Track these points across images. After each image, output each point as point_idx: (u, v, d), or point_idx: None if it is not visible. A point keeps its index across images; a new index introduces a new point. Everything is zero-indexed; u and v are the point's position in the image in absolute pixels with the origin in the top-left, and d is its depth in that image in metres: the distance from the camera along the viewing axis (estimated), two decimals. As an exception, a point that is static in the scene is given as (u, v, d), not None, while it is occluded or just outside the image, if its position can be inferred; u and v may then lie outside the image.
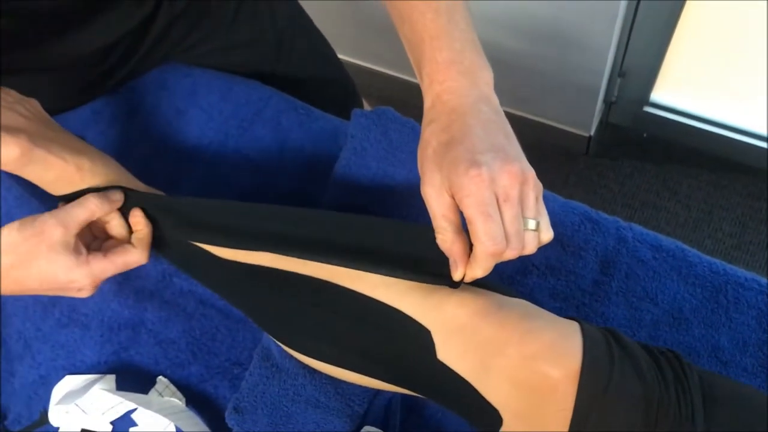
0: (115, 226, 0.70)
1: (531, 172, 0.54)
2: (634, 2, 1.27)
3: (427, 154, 0.56)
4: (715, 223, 1.62)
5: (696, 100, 1.57)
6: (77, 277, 0.63)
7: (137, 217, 0.70)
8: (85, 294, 0.66)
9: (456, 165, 0.52)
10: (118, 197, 0.70)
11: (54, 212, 0.64)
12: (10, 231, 0.62)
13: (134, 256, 0.68)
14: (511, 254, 0.54)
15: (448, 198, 0.54)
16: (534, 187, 0.54)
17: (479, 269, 0.55)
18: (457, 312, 0.60)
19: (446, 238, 0.55)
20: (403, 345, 0.62)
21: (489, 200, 0.51)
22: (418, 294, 0.62)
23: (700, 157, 1.66)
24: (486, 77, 0.59)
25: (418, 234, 0.63)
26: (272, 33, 0.95)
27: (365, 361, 0.65)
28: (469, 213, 0.52)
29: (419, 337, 0.60)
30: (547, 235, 0.56)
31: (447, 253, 0.56)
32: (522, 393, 0.56)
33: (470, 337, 0.58)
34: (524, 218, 0.54)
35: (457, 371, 0.58)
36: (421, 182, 0.56)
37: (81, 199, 0.66)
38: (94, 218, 0.67)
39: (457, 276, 0.56)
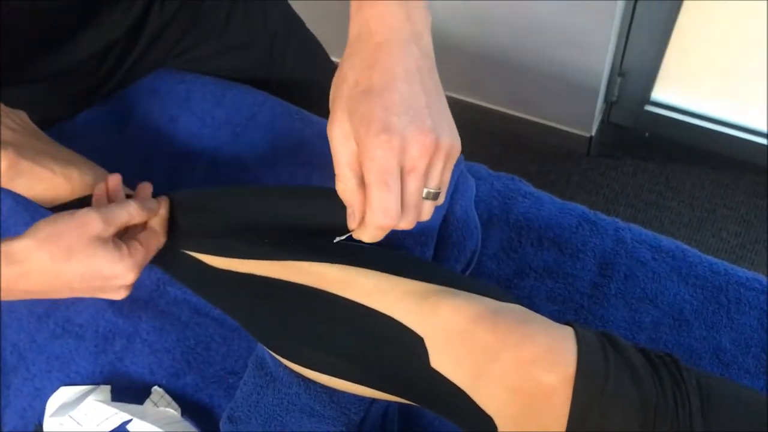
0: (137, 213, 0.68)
1: (446, 141, 0.51)
2: (632, 1, 1.26)
3: (341, 92, 0.52)
4: (719, 222, 1.61)
5: (698, 97, 1.56)
6: (121, 270, 0.61)
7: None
8: (123, 294, 0.64)
9: (368, 123, 0.49)
10: (155, 206, 0.68)
11: (94, 208, 0.61)
12: (48, 223, 0.59)
13: (160, 238, 0.67)
14: (405, 225, 0.53)
15: (355, 147, 0.51)
16: (444, 157, 0.52)
17: (366, 236, 0.54)
18: (451, 318, 0.58)
19: (347, 188, 0.53)
20: (396, 353, 0.61)
21: (392, 169, 0.49)
22: (411, 301, 0.61)
23: (703, 155, 1.65)
24: (421, 8, 0.54)
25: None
26: (264, 37, 0.94)
27: (358, 369, 0.64)
28: (368, 178, 0.50)
29: (412, 344, 0.59)
30: (441, 200, 0.56)
31: (346, 202, 0.54)
32: (516, 400, 0.54)
33: (464, 344, 0.57)
34: (425, 188, 0.52)
35: (451, 379, 0.57)
36: (329, 119, 0.52)
37: (122, 203, 0.64)
38: (131, 223, 0.65)
39: (352, 224, 0.54)
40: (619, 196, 1.67)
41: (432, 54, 0.54)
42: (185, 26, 0.88)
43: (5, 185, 0.73)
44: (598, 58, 1.38)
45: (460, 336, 0.58)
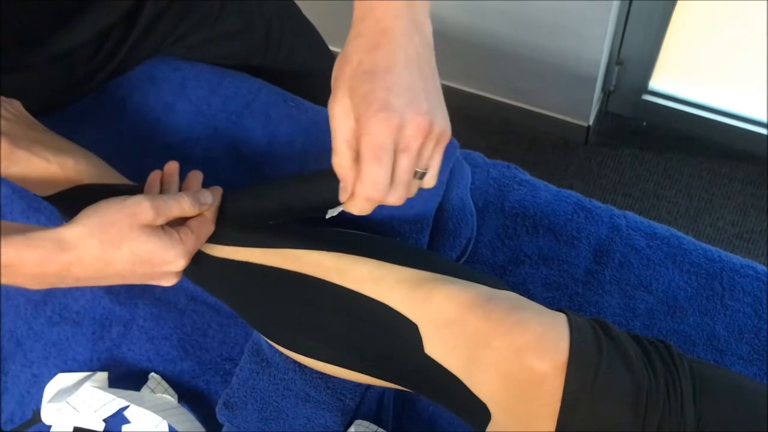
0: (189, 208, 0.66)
1: (439, 124, 0.54)
2: (630, -11, 1.26)
3: (344, 71, 0.54)
4: (717, 212, 1.61)
5: (696, 87, 1.56)
6: (172, 257, 0.60)
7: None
8: (173, 280, 0.62)
9: (369, 101, 0.51)
10: (209, 199, 0.66)
11: (146, 196, 0.60)
12: (98, 210, 0.58)
13: (210, 226, 0.66)
14: (393, 201, 0.55)
15: (353, 124, 0.53)
16: (435, 139, 0.54)
17: (355, 208, 0.56)
18: (445, 305, 0.59)
19: (342, 163, 0.55)
20: (391, 340, 0.61)
21: (387, 146, 0.52)
22: (404, 288, 0.61)
23: (701, 145, 1.65)
24: (422, 3, 0.56)
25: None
26: (260, 23, 0.94)
27: (353, 357, 0.64)
28: (363, 151, 0.52)
29: (406, 331, 0.59)
30: (431, 183, 0.57)
31: (340, 176, 0.56)
32: (509, 386, 0.55)
33: (458, 331, 0.58)
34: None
35: (445, 366, 0.58)
36: (331, 97, 0.55)
37: (176, 196, 0.63)
38: (182, 216, 0.63)
39: (343, 197, 0.56)
40: (616, 186, 1.67)
41: (431, 42, 0.56)
42: (181, 13, 0.88)
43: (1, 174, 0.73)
44: (596, 47, 1.38)
45: (454, 323, 0.58)
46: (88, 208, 0.58)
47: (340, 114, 0.54)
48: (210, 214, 0.66)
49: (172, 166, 0.71)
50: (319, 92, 1.01)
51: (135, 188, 0.74)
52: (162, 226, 0.60)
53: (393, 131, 0.51)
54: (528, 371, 0.54)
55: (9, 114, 0.75)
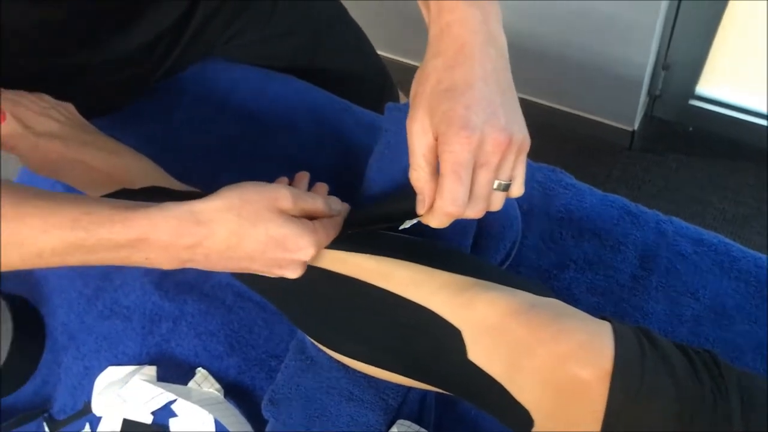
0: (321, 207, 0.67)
1: (518, 136, 0.54)
2: (678, -8, 1.25)
3: (424, 90, 0.55)
4: (765, 219, 1.58)
5: (743, 92, 1.53)
6: (304, 244, 0.59)
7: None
8: (299, 271, 0.62)
9: (450, 120, 0.52)
10: (339, 207, 0.67)
11: (284, 185, 0.61)
12: (237, 189, 0.58)
13: (337, 231, 0.65)
14: (473, 214, 0.56)
15: (432, 140, 0.54)
16: (515, 151, 0.55)
17: (434, 221, 0.57)
18: (488, 312, 0.59)
19: (420, 177, 0.56)
20: (433, 345, 0.61)
21: (466, 163, 0.53)
22: (448, 293, 0.61)
23: (748, 151, 1.62)
24: (495, 11, 0.57)
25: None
26: (309, 25, 0.95)
27: (395, 359, 0.65)
28: (443, 168, 0.53)
29: (450, 337, 0.60)
30: (518, 192, 0.58)
31: (418, 190, 0.57)
32: (553, 394, 0.55)
33: (501, 337, 0.58)
34: (496, 180, 0.55)
35: (488, 371, 0.58)
36: (410, 115, 0.56)
37: (314, 194, 0.64)
38: (312, 214, 0.64)
39: (420, 210, 0.57)
40: (661, 191, 1.65)
41: (506, 54, 0.57)
42: (233, 14, 0.89)
43: (53, 176, 0.75)
44: (642, 51, 1.36)
45: (497, 329, 0.58)
46: (227, 186, 0.58)
47: (419, 131, 0.55)
48: (339, 221, 0.66)
49: (303, 176, 0.73)
50: (365, 94, 1.02)
51: (193, 194, 0.76)
52: (297, 217, 0.61)
53: (473, 148, 0.52)
54: (571, 379, 0.54)
55: (62, 117, 0.77)
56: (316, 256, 0.62)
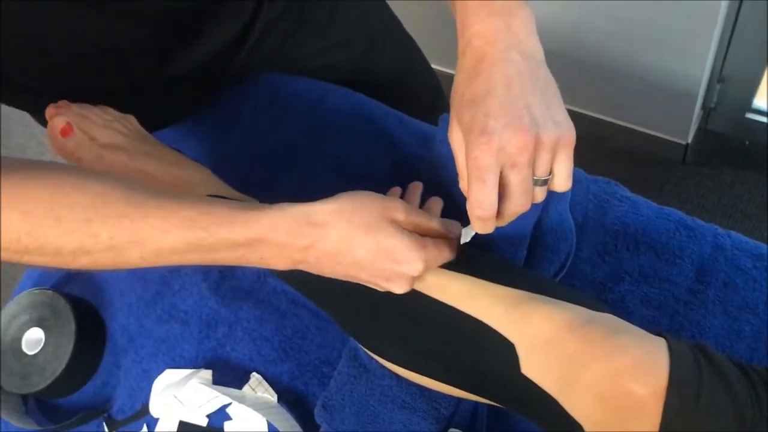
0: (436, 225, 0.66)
1: (549, 134, 0.55)
2: (736, 2, 1.23)
3: (455, 102, 0.58)
4: (824, 235, 1.54)
5: (803, 105, 1.50)
6: (413, 258, 0.59)
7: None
8: (406, 287, 0.61)
9: (471, 128, 0.54)
10: (455, 230, 0.66)
11: (398, 198, 0.62)
12: (352, 196, 0.60)
13: (452, 253, 0.65)
14: (513, 210, 0.57)
15: None
16: (550, 147, 0.55)
17: (475, 226, 0.58)
18: (543, 326, 0.59)
19: (465, 185, 0.58)
20: (487, 358, 0.61)
21: (489, 167, 0.54)
22: (502, 307, 0.61)
23: (807, 165, 1.58)
24: (522, 16, 0.58)
25: None
26: (363, 36, 0.97)
27: (448, 371, 0.65)
28: (468, 174, 0.55)
29: (503, 350, 0.60)
30: (563, 186, 0.59)
31: (466, 195, 0.58)
32: (607, 409, 0.54)
33: (555, 352, 0.58)
34: (534, 177, 0.57)
35: (541, 386, 0.58)
36: (449, 129, 0.59)
37: (428, 213, 0.64)
38: (425, 232, 0.63)
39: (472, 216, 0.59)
40: (715, 206, 1.62)
41: (538, 55, 0.58)
42: (291, 26, 0.91)
43: None
44: (698, 63, 1.35)
45: (552, 344, 0.58)
46: (343, 192, 0.60)
47: (457, 141, 0.57)
48: (453, 243, 0.66)
49: (416, 186, 0.76)
50: (418, 106, 1.03)
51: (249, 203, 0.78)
52: (409, 231, 0.61)
53: (494, 152, 0.54)
54: (626, 395, 0.54)
55: (125, 129, 0.80)
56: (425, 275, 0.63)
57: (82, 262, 0.55)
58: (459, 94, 0.57)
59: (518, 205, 0.57)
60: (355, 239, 0.58)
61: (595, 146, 1.66)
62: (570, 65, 1.53)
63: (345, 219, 0.58)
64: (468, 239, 0.63)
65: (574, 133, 0.56)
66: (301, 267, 0.60)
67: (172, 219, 0.55)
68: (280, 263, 0.59)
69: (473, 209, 0.55)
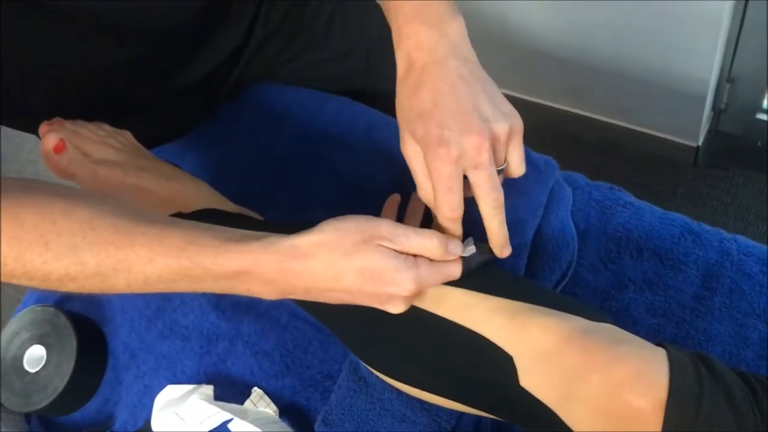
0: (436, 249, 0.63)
1: (502, 127, 0.58)
2: (742, 2, 1.21)
3: (404, 116, 0.60)
4: (838, 237, 1.51)
5: (815, 105, 1.47)
6: (401, 279, 0.57)
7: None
8: (401, 307, 0.60)
9: (427, 141, 0.57)
10: (458, 251, 0.63)
11: (388, 221, 0.59)
12: (335, 222, 0.58)
13: (457, 270, 0.62)
14: (493, 202, 0.60)
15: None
16: (504, 141, 0.59)
17: (448, 228, 0.62)
18: (541, 338, 0.58)
19: (428, 194, 0.62)
20: (485, 371, 0.60)
21: (452, 175, 0.57)
22: (500, 319, 0.61)
23: (821, 166, 1.56)
24: (455, 26, 0.60)
25: None
26: (361, 47, 0.97)
27: (446, 384, 0.64)
28: (434, 185, 0.59)
29: (501, 363, 0.59)
30: (519, 171, 0.63)
31: (429, 205, 0.63)
32: (606, 422, 0.53)
33: (554, 364, 0.57)
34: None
35: (540, 398, 0.57)
36: (400, 141, 0.62)
37: (423, 232, 0.60)
38: (422, 255, 0.60)
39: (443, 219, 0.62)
40: (728, 209, 1.60)
41: (471, 56, 0.61)
42: (288, 37, 0.91)
43: None
44: (706, 64, 1.33)
45: (550, 356, 0.57)
46: (328, 220, 0.59)
47: (413, 153, 0.60)
48: (457, 263, 0.63)
49: (393, 201, 0.78)
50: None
51: (247, 216, 0.77)
52: (396, 251, 0.59)
53: (455, 161, 0.57)
54: (626, 407, 0.52)
55: (120, 144, 0.79)
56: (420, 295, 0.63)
57: (69, 287, 0.55)
58: (406, 109, 0.60)
59: (492, 199, 0.59)
60: (340, 266, 0.57)
61: (605, 151, 1.64)
62: (577, 69, 1.52)
63: (328, 249, 0.57)
64: (467, 255, 0.63)
65: (521, 121, 0.60)
66: (290, 297, 0.60)
67: (157, 248, 0.54)
68: (268, 295, 0.58)
69: (445, 214, 0.59)
